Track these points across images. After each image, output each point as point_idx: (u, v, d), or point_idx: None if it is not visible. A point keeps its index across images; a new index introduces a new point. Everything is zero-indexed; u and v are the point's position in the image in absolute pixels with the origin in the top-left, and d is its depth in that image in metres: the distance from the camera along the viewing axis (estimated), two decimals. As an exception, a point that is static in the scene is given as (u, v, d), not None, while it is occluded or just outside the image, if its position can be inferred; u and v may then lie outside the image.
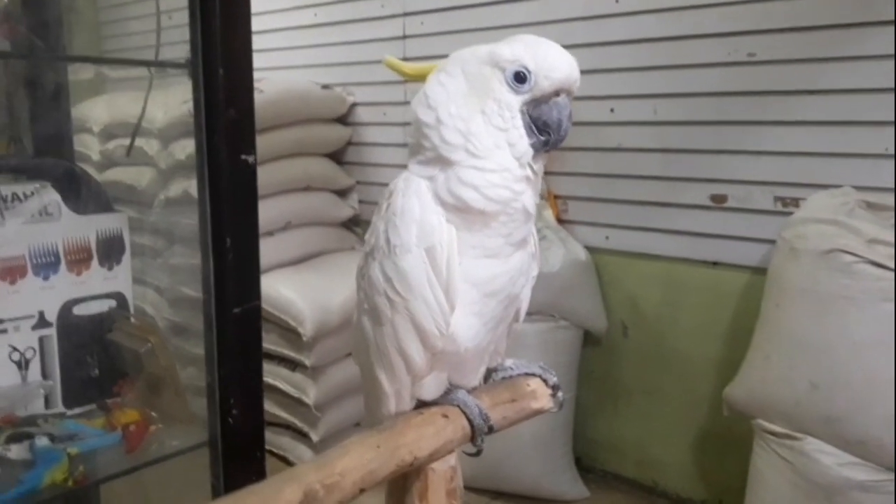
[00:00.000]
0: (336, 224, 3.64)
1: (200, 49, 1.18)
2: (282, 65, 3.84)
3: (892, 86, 2.19)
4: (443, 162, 0.97)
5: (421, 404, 1.04)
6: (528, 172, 0.96)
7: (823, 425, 2.04)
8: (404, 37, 3.42)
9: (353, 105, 3.67)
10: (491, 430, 1.03)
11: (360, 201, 3.75)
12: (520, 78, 0.94)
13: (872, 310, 1.97)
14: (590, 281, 2.88)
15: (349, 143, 3.72)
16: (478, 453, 1.05)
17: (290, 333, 2.97)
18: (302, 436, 3.05)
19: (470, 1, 3.15)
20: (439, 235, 0.94)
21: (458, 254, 0.95)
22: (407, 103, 3.44)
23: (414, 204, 0.95)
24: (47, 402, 1.35)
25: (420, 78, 1.03)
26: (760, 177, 2.51)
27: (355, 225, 3.78)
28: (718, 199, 2.62)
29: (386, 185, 3.58)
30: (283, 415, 3.04)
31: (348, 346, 3.11)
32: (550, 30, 2.80)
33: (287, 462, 3.08)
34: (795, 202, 2.42)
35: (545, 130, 0.96)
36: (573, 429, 2.92)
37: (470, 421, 1.02)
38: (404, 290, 0.95)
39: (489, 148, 0.95)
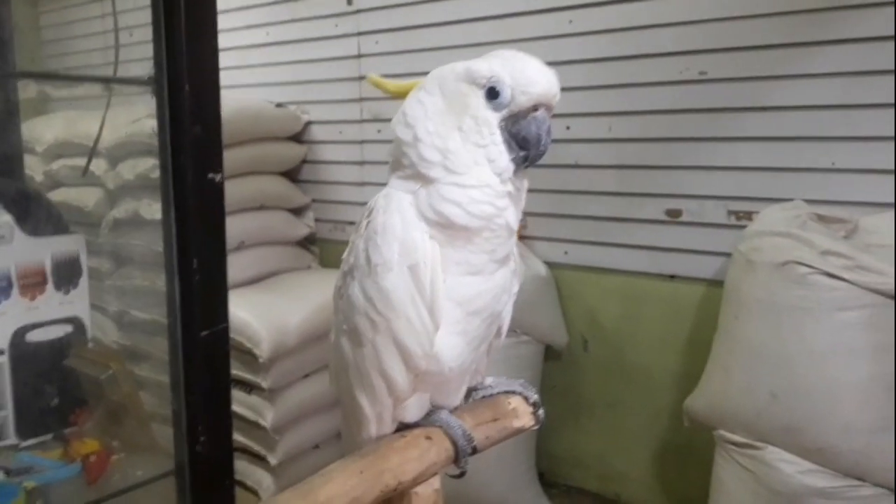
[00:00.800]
0: (292, 243, 3.58)
1: (165, 65, 1.14)
2: (235, 83, 3.78)
3: (839, 102, 2.28)
4: (422, 179, 0.95)
5: (402, 426, 1.02)
6: (510, 188, 0.95)
7: (783, 434, 2.07)
8: (359, 55, 3.41)
9: (308, 123, 3.64)
10: (475, 450, 1.01)
11: (316, 219, 3.70)
12: (496, 94, 0.94)
13: (828, 319, 2.02)
14: (550, 296, 2.90)
15: (304, 161, 3.68)
16: (461, 475, 1.03)
17: (245, 355, 2.90)
18: (259, 459, 2.97)
19: (424, 20, 3.16)
20: (423, 252, 0.92)
21: (442, 271, 0.93)
22: (362, 121, 3.44)
23: (396, 221, 0.93)
24: (-1, 433, 1.28)
25: (403, 95, 1.02)
26: (714, 191, 2.57)
27: (311, 243, 3.73)
28: (674, 214, 2.67)
29: (342, 203, 3.57)
30: (240, 438, 2.96)
31: (305, 367, 3.07)
32: (505, 48, 2.82)
33: (244, 486, 2.99)
34: (748, 215, 2.48)
35: (525, 146, 0.95)
36: (536, 444, 2.91)
37: (454, 442, 1.00)
38: (386, 309, 0.93)
39: (468, 164, 0.93)
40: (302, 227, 3.61)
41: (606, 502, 2.96)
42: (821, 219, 2.21)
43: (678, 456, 2.74)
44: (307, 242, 3.70)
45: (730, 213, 2.55)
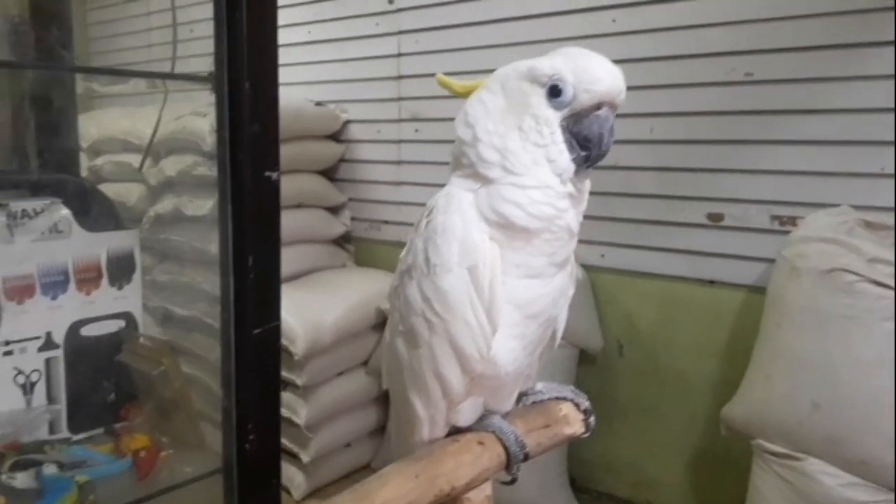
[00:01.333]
0: (328, 241, 3.59)
1: (226, 62, 1.15)
2: (274, 81, 3.81)
3: (890, 105, 2.23)
4: (482, 179, 0.94)
5: (454, 430, 1.01)
6: (571, 189, 0.94)
7: (826, 446, 2.03)
8: (399, 55, 3.41)
9: (347, 122, 3.65)
10: (527, 457, 1.00)
11: (353, 218, 3.71)
12: (558, 92, 0.92)
13: (875, 329, 1.98)
14: (586, 299, 2.87)
15: (342, 160, 3.69)
16: (513, 481, 1.02)
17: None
18: (292, 456, 2.99)
19: (464, 19, 3.15)
20: (482, 254, 0.91)
21: (501, 273, 0.92)
22: (400, 121, 3.44)
23: (456, 221, 0.92)
24: (52, 427, 1.29)
25: (469, 95, 1.01)
26: (757, 195, 2.53)
27: (347, 242, 3.74)
28: (715, 218, 2.63)
29: (378, 202, 3.57)
30: (275, 436, 2.98)
31: (340, 364, 3.08)
32: (547, 49, 2.81)
33: (277, 484, 3.01)
34: (792, 221, 2.44)
35: (586, 145, 0.93)
36: (568, 449, 2.89)
37: (506, 448, 0.99)
38: (444, 310, 0.92)
39: (527, 165, 0.92)
40: (338, 226, 3.62)
41: (639, 508, 2.93)
42: (868, 225, 2.16)
43: (714, 464, 2.70)
44: (343, 241, 3.71)
45: (773, 217, 2.50)
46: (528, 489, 2.73)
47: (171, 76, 1.39)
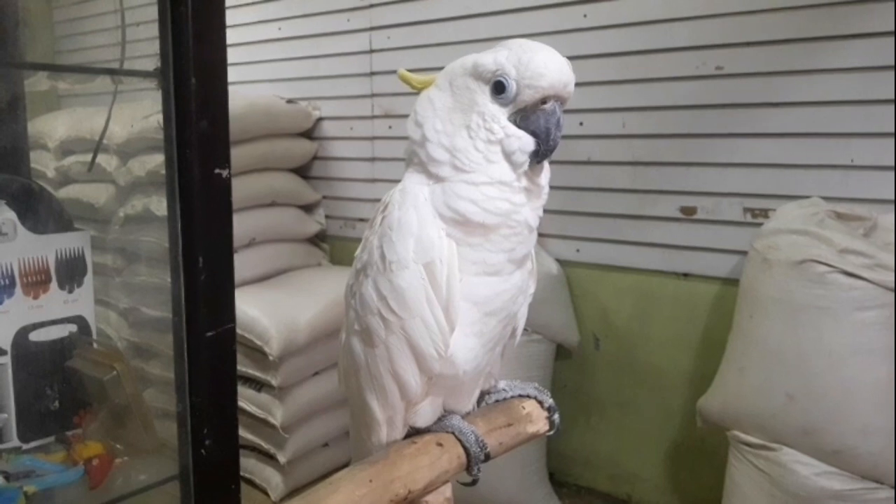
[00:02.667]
0: (302, 240, 3.56)
1: (171, 58, 1.11)
2: (246, 79, 3.76)
3: (858, 97, 2.23)
4: (434, 177, 0.92)
5: (413, 432, 0.99)
6: (525, 184, 0.91)
7: (800, 436, 2.04)
8: (371, 51, 3.38)
9: (319, 119, 3.62)
10: (488, 457, 0.98)
11: (327, 216, 3.68)
12: (502, 88, 0.90)
13: (846, 319, 1.98)
14: (561, 294, 2.86)
15: (315, 158, 3.66)
16: (473, 483, 1.00)
17: (255, 353, 2.88)
18: (269, 457, 2.96)
19: (436, 15, 3.13)
20: (439, 250, 0.89)
21: (459, 270, 0.89)
22: (374, 117, 3.41)
23: (412, 217, 0.90)
24: (1, 436, 1.25)
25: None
26: (729, 188, 2.53)
27: (321, 240, 3.71)
28: (688, 211, 2.63)
29: (353, 199, 3.54)
30: (249, 436, 2.95)
31: (315, 364, 3.05)
32: (517, 39, 2.79)
33: (253, 485, 2.98)
34: (764, 213, 2.44)
35: (534, 140, 0.91)
36: (546, 444, 2.88)
37: (466, 449, 0.97)
38: (400, 308, 0.89)
39: (477, 162, 0.90)
40: (312, 224, 3.59)
41: (617, 502, 2.93)
42: (839, 216, 2.17)
43: (691, 456, 2.70)
44: (317, 239, 3.69)
45: (745, 210, 2.50)
46: (507, 484, 2.72)
47: (118, 72, 1.35)
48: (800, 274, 2.05)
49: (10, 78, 1.34)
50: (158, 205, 2.82)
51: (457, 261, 0.90)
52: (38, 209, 1.28)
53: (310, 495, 0.83)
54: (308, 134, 3.62)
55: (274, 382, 2.83)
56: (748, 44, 2.41)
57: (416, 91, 1.00)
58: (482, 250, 0.92)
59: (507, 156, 0.90)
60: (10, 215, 1.23)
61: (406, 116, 3.20)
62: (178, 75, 1.12)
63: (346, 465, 3.13)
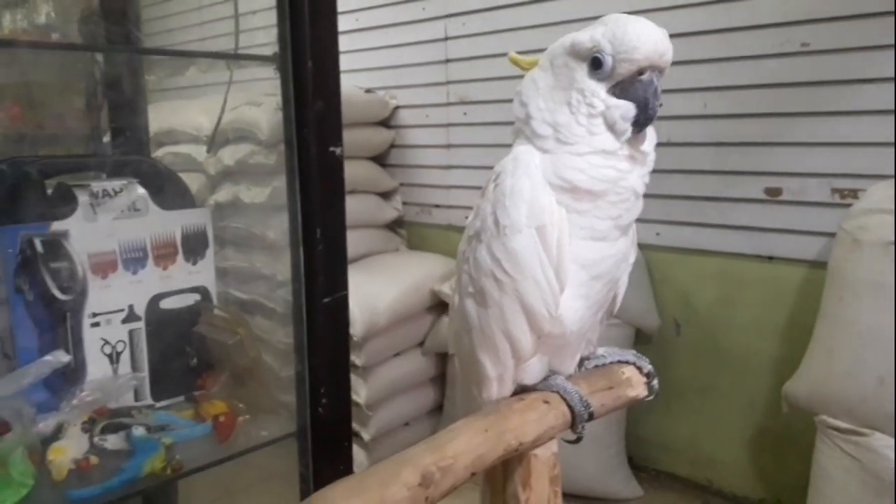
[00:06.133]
0: (381, 226, 3.65)
1: (289, 42, 1.19)
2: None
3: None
4: (540, 150, 0.97)
5: (520, 390, 1.04)
6: (629, 152, 0.95)
7: (891, 421, 2.00)
8: (446, 38, 3.43)
9: (396, 108, 3.69)
10: (591, 416, 1.02)
11: (404, 203, 3.76)
12: (599, 64, 0.93)
13: (943, 299, 1.93)
14: (641, 278, 2.86)
15: (392, 146, 3.74)
16: (578, 440, 1.04)
17: (339, 334, 2.98)
18: (353, 435, 3.06)
19: (510, 0, 3.15)
20: (550, 215, 0.93)
21: (568, 235, 0.94)
22: (449, 104, 3.46)
23: (524, 184, 0.94)
24: (137, 394, 1.37)
25: None
26: (816, 168, 2.48)
27: (399, 226, 3.79)
28: (773, 193, 2.59)
29: (429, 186, 3.58)
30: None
31: (397, 346, 3.14)
32: (611, 14, 2.79)
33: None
34: (853, 193, 2.39)
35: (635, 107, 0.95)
36: (626, 427, 2.89)
37: (570, 407, 1.01)
38: (514, 270, 0.94)
39: (580, 135, 0.94)
40: (390, 211, 3.68)
41: (697, 487, 2.91)
42: (933, 195, 2.11)
43: (775, 442, 2.67)
44: (395, 225, 3.77)
45: (833, 191, 2.45)
46: (586, 467, 2.75)
47: (237, 56, 1.44)
48: (891, 255, 2.01)
49: (133, 67, 1.45)
50: (248, 193, 2.96)
51: (566, 226, 0.94)
52: (164, 188, 1.38)
53: (432, 440, 0.89)
54: (385, 123, 3.70)
55: (358, 362, 2.93)
56: (834, 19, 2.36)
57: (525, 72, 1.05)
58: (590, 216, 0.95)
59: (610, 126, 0.94)
60: (143, 193, 1.34)
61: (480, 103, 3.26)
62: (296, 59, 1.20)
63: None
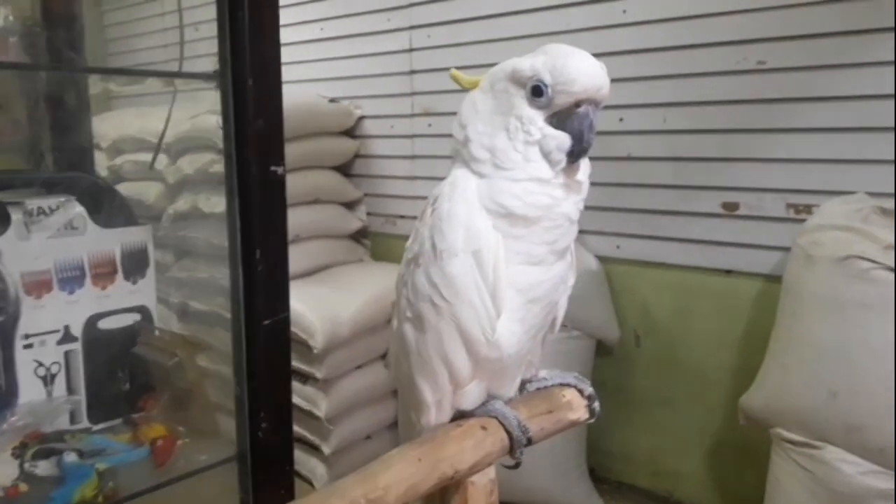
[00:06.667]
0: (344, 236, 3.63)
1: (229, 60, 1.18)
2: (289, 79, 3.82)
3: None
4: (477, 174, 0.97)
5: (459, 415, 1.03)
6: (564, 180, 0.96)
7: (844, 434, 2.02)
8: (411, 49, 3.43)
9: (361, 118, 3.68)
10: (530, 442, 1.02)
11: (368, 213, 3.74)
12: (539, 92, 0.94)
13: (890, 316, 1.96)
14: (601, 290, 2.87)
15: (357, 156, 3.73)
16: (516, 466, 1.04)
17: (300, 346, 2.95)
18: (313, 448, 3.03)
19: (476, 13, 3.16)
20: (486, 240, 0.94)
21: (504, 259, 0.94)
22: (413, 115, 3.46)
23: (461, 208, 0.95)
24: (73, 417, 1.34)
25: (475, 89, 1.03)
26: (772, 184, 2.51)
27: (363, 237, 3.77)
28: (730, 207, 2.62)
29: (393, 197, 3.59)
30: (295, 427, 2.99)
31: (358, 358, 3.11)
32: (557, 40, 2.80)
33: (298, 475, 3.05)
34: (808, 209, 2.42)
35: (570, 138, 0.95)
36: (587, 439, 2.90)
37: (509, 433, 1.01)
38: (451, 295, 0.94)
39: (516, 161, 0.95)
40: (354, 221, 3.66)
41: (658, 499, 2.93)
42: (884, 212, 2.14)
43: (733, 454, 2.69)
44: (359, 236, 3.75)
45: (789, 206, 2.49)
46: (546, 479, 2.74)
47: (179, 75, 1.42)
48: (844, 270, 2.04)
49: (75, 82, 1.42)
50: (208, 202, 2.92)
51: (503, 250, 0.94)
52: (104, 205, 1.36)
53: (364, 471, 0.88)
54: (350, 132, 3.69)
55: (318, 375, 2.90)
56: (790, 38, 2.39)
57: (465, 90, 1.04)
58: (526, 242, 0.96)
59: (545, 155, 0.94)
60: (81, 211, 1.31)
61: (445, 115, 3.25)
62: (236, 77, 1.18)
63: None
